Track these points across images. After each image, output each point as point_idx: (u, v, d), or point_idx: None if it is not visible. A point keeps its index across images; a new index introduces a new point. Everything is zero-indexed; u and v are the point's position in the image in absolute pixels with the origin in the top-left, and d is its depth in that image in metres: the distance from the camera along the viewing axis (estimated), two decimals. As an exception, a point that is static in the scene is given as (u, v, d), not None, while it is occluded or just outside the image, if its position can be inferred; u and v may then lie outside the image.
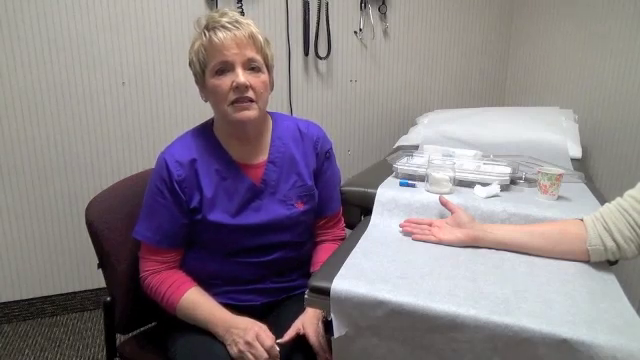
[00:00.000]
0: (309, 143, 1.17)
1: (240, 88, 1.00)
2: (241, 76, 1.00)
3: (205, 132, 1.12)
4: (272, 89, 1.11)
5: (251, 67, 1.03)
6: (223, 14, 1.03)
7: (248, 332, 0.98)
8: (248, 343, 0.97)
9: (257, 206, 1.10)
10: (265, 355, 0.96)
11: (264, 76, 1.05)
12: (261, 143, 1.13)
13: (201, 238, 1.10)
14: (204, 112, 1.17)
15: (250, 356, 0.96)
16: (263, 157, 1.12)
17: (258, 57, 1.03)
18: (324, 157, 1.19)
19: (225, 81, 1.01)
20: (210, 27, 1.02)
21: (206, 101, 1.10)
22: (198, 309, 1.04)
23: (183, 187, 1.05)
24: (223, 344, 1.01)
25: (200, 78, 1.07)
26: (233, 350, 0.98)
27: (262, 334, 0.98)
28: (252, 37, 1.02)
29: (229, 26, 1.00)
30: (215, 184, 1.07)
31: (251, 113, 1.03)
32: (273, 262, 1.13)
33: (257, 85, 1.03)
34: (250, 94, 1.02)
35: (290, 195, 1.12)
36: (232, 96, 1.01)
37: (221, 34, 1.00)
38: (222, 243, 1.09)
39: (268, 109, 1.14)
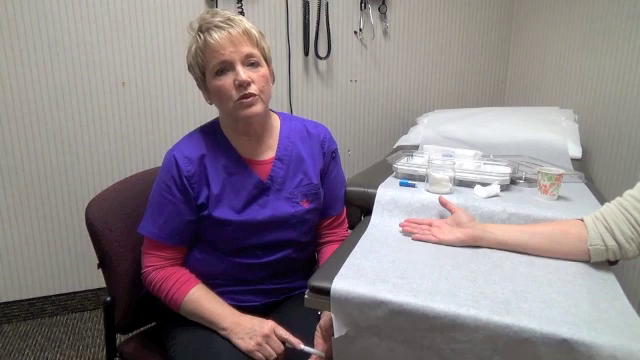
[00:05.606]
0: (316, 142, 1.18)
1: (243, 85, 1.01)
2: (242, 73, 1.01)
3: (213, 130, 1.13)
4: (274, 81, 1.12)
5: (250, 63, 1.03)
6: (214, 14, 1.03)
7: (265, 325, 1.00)
8: (266, 335, 0.98)
9: (263, 202, 1.10)
10: (282, 347, 0.98)
11: (264, 70, 1.06)
12: (268, 140, 1.14)
13: (206, 235, 1.10)
14: (204, 112, 1.17)
15: (268, 348, 0.98)
16: (271, 154, 1.13)
17: (255, 51, 1.04)
18: (330, 157, 1.20)
19: (227, 80, 1.02)
20: (204, 29, 1.02)
21: (211, 104, 1.10)
22: (205, 305, 1.04)
23: (192, 183, 1.06)
24: (224, 342, 1.00)
25: (201, 81, 1.08)
26: (247, 343, 0.98)
27: (278, 327, 1.01)
28: (246, 33, 1.03)
29: (222, 25, 1.01)
30: (222, 180, 1.08)
31: (257, 108, 1.04)
32: (276, 263, 1.13)
33: (258, 80, 1.04)
34: (253, 89, 1.02)
35: (296, 193, 1.13)
36: (236, 94, 1.02)
37: (216, 34, 1.00)
38: (227, 240, 1.09)
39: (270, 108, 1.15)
